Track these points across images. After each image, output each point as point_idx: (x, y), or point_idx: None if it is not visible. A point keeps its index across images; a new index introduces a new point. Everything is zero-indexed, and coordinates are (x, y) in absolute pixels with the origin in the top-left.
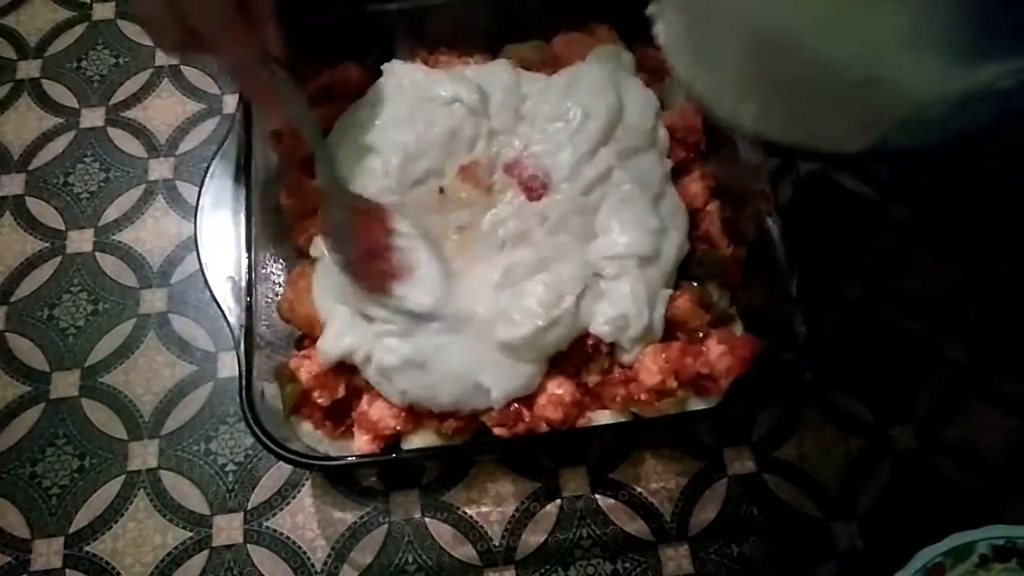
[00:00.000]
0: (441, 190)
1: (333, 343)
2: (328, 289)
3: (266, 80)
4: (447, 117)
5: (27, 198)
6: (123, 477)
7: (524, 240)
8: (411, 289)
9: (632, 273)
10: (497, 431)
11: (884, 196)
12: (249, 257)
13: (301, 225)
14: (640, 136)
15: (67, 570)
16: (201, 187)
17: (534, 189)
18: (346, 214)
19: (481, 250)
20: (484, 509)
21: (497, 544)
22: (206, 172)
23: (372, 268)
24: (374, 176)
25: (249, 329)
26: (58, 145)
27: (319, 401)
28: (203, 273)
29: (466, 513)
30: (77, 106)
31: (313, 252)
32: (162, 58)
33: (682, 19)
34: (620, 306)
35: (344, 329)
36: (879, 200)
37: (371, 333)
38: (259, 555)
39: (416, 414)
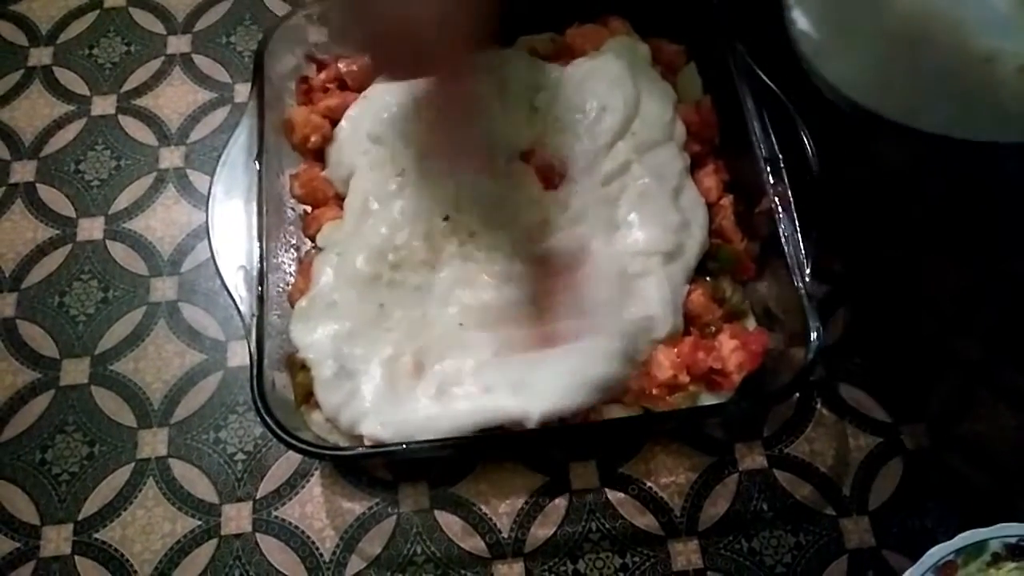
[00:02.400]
0: (447, 217)
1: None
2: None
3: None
4: None
5: (38, 185)
6: (132, 465)
7: (545, 230)
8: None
9: (656, 272)
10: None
11: (901, 194)
12: (261, 246)
13: (312, 214)
14: (658, 129)
15: (76, 557)
16: (213, 176)
17: (551, 179)
18: None
19: (503, 248)
20: (493, 501)
21: (506, 537)
22: (218, 161)
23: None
24: (383, 171)
25: (261, 318)
26: (69, 132)
27: None
28: (214, 261)
29: (475, 505)
30: (88, 93)
31: (319, 242)
32: (173, 46)
33: (823, 5)
34: (647, 307)
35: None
36: (895, 198)
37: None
38: (268, 544)
39: None
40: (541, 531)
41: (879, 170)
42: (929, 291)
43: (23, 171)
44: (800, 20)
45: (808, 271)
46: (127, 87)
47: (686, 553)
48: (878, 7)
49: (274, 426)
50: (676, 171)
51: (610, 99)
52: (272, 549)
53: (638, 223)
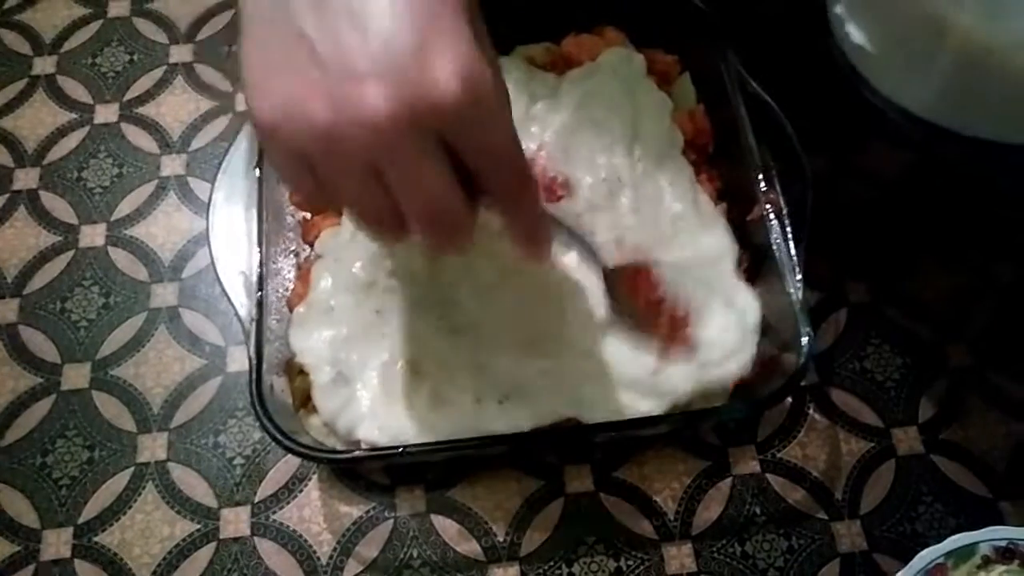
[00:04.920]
0: None
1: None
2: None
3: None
4: None
5: (41, 192)
6: (132, 469)
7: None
8: (360, 426)
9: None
10: None
11: (892, 200)
12: (260, 252)
13: (311, 221)
14: (659, 140)
15: (76, 560)
16: (214, 183)
17: (554, 190)
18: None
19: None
20: (488, 505)
21: (501, 540)
22: (218, 168)
23: (662, 330)
24: None
25: (260, 323)
26: (72, 140)
27: None
28: (214, 268)
29: (471, 509)
30: (91, 102)
31: (318, 249)
32: (176, 56)
33: (881, 22)
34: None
35: (328, 391)
36: (887, 204)
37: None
38: (266, 548)
39: None
40: (536, 535)
41: (920, 176)
42: (921, 297)
43: (26, 178)
44: (855, 34)
45: (799, 278)
46: (129, 96)
47: (680, 557)
48: (937, 31)
49: (273, 430)
50: (688, 177)
51: (609, 121)
52: (270, 552)
53: (688, 230)
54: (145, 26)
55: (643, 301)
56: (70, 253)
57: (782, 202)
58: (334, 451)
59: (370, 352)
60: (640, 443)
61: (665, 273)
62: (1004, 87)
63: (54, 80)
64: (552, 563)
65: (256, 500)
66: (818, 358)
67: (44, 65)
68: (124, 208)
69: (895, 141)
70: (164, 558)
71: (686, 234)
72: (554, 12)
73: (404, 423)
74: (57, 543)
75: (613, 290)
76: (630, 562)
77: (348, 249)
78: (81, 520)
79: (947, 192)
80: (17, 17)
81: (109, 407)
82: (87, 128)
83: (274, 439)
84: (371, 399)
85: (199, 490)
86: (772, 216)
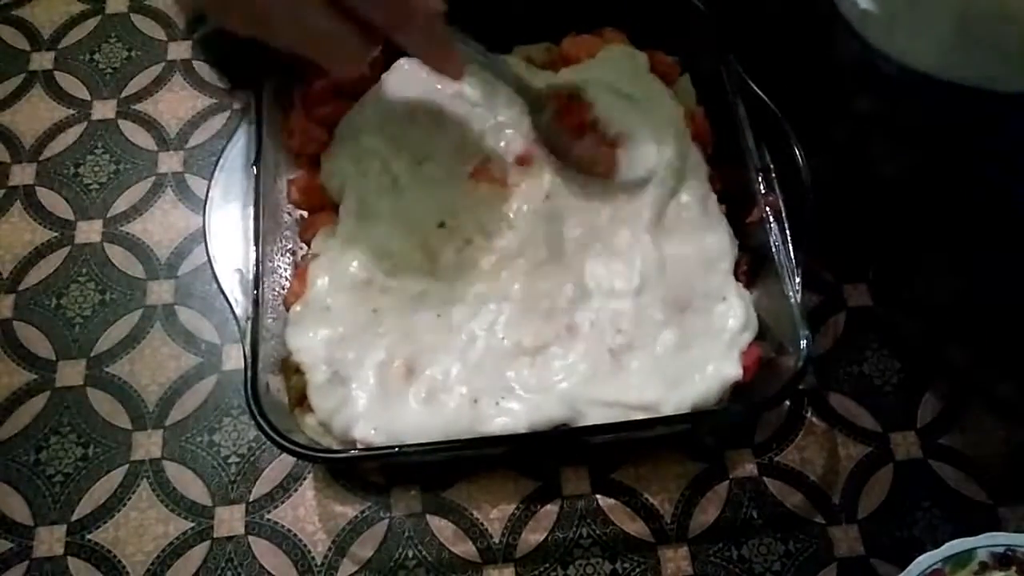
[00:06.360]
0: (442, 224)
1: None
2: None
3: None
4: (453, 113)
5: (37, 188)
6: (126, 467)
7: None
8: (354, 426)
9: (733, 297)
10: None
11: (891, 204)
12: (257, 250)
13: (308, 219)
14: (663, 133)
15: (69, 558)
16: (211, 180)
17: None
18: (547, 112)
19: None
20: (485, 506)
21: (497, 542)
22: (216, 166)
23: (587, 147)
24: (377, 178)
25: (256, 321)
26: (69, 136)
27: None
28: (211, 265)
29: (467, 510)
30: (89, 98)
31: (315, 247)
32: (174, 53)
33: None
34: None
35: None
36: (886, 208)
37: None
38: (260, 547)
39: None
40: (532, 536)
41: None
42: (920, 301)
43: (23, 174)
44: (863, 1)
45: (799, 280)
46: (127, 92)
47: (676, 560)
48: None
49: (268, 429)
50: (704, 172)
51: (611, 112)
52: (264, 552)
53: (692, 224)
54: (143, 22)
55: (571, 125)
56: (66, 249)
57: (781, 204)
58: (329, 450)
59: (367, 351)
60: (637, 445)
61: (595, 97)
62: (1011, 31)
63: (52, 76)
64: (548, 565)
65: (251, 499)
66: (816, 361)
67: (42, 61)
68: (121, 205)
69: (904, 108)
70: (158, 556)
71: (690, 227)
72: (554, 12)
73: (400, 423)
74: (50, 540)
75: (540, 114)
76: (626, 564)
77: (345, 248)
78: (74, 517)
79: (947, 195)
80: (15, 12)
81: (104, 404)
82: (84, 124)
83: (269, 438)
84: (367, 398)
85: (193, 488)
86: (771, 218)
